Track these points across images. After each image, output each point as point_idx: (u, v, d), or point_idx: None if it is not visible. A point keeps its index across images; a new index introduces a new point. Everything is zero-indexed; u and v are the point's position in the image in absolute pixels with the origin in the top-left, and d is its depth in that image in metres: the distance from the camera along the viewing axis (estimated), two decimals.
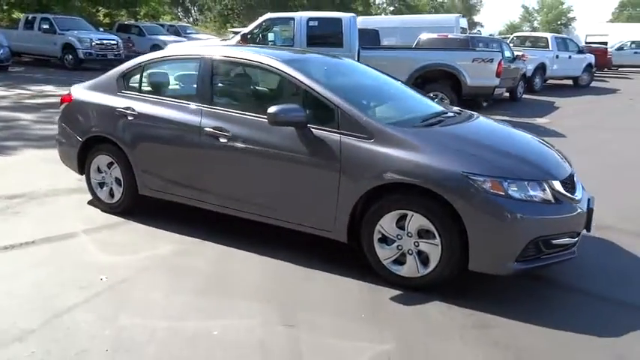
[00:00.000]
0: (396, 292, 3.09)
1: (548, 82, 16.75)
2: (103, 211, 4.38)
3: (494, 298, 3.08)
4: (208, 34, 30.60)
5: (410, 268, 3.07)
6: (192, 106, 3.73)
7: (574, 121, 10.38)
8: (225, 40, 9.82)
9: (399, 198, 3.03)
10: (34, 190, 4.86)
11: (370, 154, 3.05)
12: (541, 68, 15.32)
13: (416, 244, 3.03)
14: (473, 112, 3.86)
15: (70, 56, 17.09)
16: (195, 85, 3.82)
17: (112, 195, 4.30)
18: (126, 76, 4.21)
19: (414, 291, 3.08)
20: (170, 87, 4.25)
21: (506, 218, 2.79)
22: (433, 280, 3.03)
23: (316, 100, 3.30)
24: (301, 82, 3.38)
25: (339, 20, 8.89)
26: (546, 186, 2.92)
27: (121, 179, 4.17)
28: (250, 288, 3.16)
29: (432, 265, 3.00)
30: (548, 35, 16.59)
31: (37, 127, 8.14)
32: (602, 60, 20.53)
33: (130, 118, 3.99)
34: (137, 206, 4.28)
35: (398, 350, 2.52)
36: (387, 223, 3.08)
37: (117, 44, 17.76)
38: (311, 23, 8.89)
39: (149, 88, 4.13)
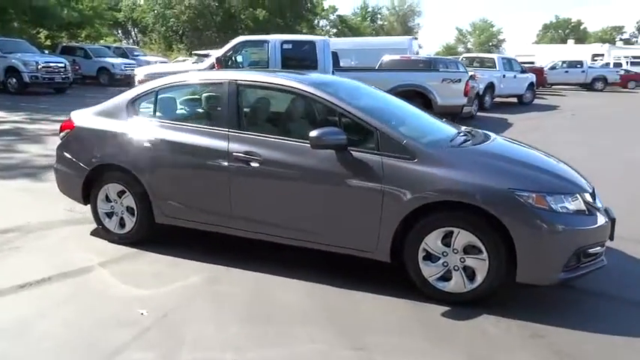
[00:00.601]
0: (443, 308, 3.14)
1: (495, 100, 17.67)
2: (110, 242, 4.17)
3: (534, 307, 3.20)
4: (155, 55, 30.02)
5: (457, 284, 3.15)
6: (218, 130, 3.66)
7: (531, 135, 10.96)
8: (196, 63, 9.69)
9: (445, 216, 3.11)
10: (25, 224, 4.55)
11: (415, 175, 3.13)
12: (490, 87, 16.16)
13: (462, 260, 3.11)
14: (488, 132, 4.03)
15: (14, 80, 16.20)
16: (219, 110, 3.76)
17: (122, 225, 4.12)
18: (136, 101, 4.08)
19: (460, 306, 3.15)
20: (188, 112, 4.16)
21: (554, 231, 2.93)
22: (480, 294, 3.12)
23: (354, 123, 3.35)
24: (337, 105, 3.42)
25: (312, 43, 9.05)
26: (580, 199, 3.11)
27: (134, 208, 4.01)
28: (298, 312, 3.12)
29: (479, 279, 3.09)
30: (495, 56, 17.58)
31: None
32: (539, 79, 21.93)
33: (145, 144, 3.86)
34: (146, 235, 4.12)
35: None
36: (432, 241, 3.15)
37: (65, 67, 17.04)
38: (285, 46, 8.99)
39: (165, 114, 4.02)
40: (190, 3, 36.88)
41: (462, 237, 3.07)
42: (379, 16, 64.16)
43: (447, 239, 3.12)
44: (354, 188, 3.27)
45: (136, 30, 49.10)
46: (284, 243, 3.63)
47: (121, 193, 4.06)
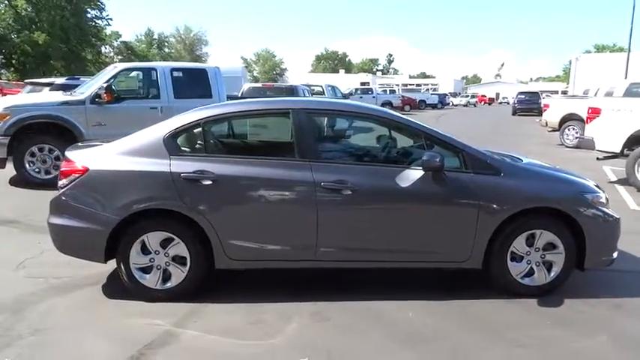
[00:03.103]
0: (532, 301, 3.64)
1: None
2: (149, 301, 3.53)
3: (588, 287, 3.91)
4: None
5: (539, 278, 3.69)
6: (297, 161, 3.52)
7: None
8: (70, 93, 8.38)
9: (529, 220, 3.62)
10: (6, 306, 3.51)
11: (504, 187, 3.58)
12: None
13: (542, 256, 3.67)
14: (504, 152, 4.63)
15: None
16: (291, 140, 3.59)
17: (164, 279, 3.55)
18: (177, 136, 3.59)
19: (540, 295, 3.69)
20: (247, 144, 3.80)
21: (610, 222, 3.72)
22: (557, 283, 3.71)
23: (440, 146, 3.66)
24: (422, 130, 3.69)
25: (204, 71, 8.72)
26: (605, 196, 3.98)
27: (187, 256, 3.51)
28: (431, 328, 3.27)
29: (556, 270, 3.69)
30: (323, 84, 19.14)
31: None
32: None
33: (206, 182, 3.45)
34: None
35: (613, 335, 3.18)
36: (519, 243, 3.63)
37: None
38: (175, 74, 8.44)
39: (219, 148, 3.64)
40: None
41: (544, 237, 3.64)
42: (166, 43, 62.70)
43: (530, 240, 3.65)
44: (451, 205, 3.56)
45: None
46: (373, 267, 3.69)
47: (166, 242, 3.51)
